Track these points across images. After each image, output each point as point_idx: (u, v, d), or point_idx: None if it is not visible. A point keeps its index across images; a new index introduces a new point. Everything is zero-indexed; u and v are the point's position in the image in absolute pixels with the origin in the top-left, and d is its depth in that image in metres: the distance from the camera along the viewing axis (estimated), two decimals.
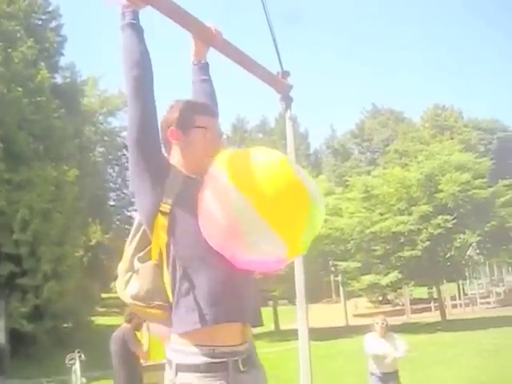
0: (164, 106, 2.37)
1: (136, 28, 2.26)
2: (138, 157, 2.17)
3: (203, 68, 2.75)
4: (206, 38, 2.65)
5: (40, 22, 30.47)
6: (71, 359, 12.14)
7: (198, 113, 2.32)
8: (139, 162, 2.17)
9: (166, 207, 2.13)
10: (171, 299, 2.13)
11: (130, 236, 2.33)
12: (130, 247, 2.30)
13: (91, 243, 38.52)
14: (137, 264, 2.22)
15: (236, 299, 2.12)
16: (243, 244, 1.98)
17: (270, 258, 2.05)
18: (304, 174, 2.13)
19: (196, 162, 2.24)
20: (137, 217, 2.34)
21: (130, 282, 2.24)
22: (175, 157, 2.29)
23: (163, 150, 2.31)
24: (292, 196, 2.00)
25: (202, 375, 2.03)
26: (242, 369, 2.10)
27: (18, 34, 25.26)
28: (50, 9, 31.16)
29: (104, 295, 36.14)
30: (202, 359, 2.05)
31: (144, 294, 2.17)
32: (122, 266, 2.29)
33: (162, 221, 2.13)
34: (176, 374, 2.07)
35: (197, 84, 2.74)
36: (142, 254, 2.23)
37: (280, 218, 1.96)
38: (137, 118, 2.16)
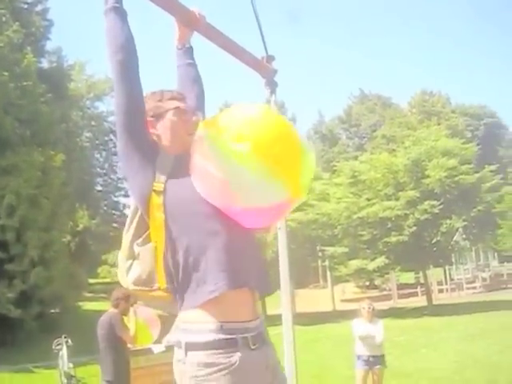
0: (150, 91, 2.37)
1: (119, 12, 2.24)
2: (126, 140, 2.16)
3: (187, 52, 2.75)
4: (189, 22, 2.64)
5: (26, 6, 30.06)
6: (58, 344, 12.16)
7: (166, 99, 2.32)
8: (128, 143, 2.16)
9: (159, 186, 2.12)
10: (174, 280, 2.11)
11: (127, 224, 2.31)
12: (127, 235, 2.29)
13: (78, 229, 38.39)
14: (137, 248, 2.22)
15: (243, 264, 2.10)
16: (244, 194, 1.97)
17: (273, 204, 2.02)
18: (286, 119, 2.14)
19: (179, 142, 2.24)
20: (132, 204, 2.33)
21: (131, 268, 2.24)
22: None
23: None
24: (285, 139, 2.01)
25: (211, 352, 2.00)
26: (252, 346, 2.07)
27: (4, 18, 24.91)
28: None
29: (91, 280, 36.11)
30: (211, 336, 2.01)
31: (146, 276, 2.17)
32: (121, 255, 2.29)
33: (157, 200, 2.12)
34: (186, 354, 2.03)
35: (182, 68, 2.74)
36: (140, 240, 2.22)
37: (277, 161, 1.95)
38: (123, 104, 2.15)
